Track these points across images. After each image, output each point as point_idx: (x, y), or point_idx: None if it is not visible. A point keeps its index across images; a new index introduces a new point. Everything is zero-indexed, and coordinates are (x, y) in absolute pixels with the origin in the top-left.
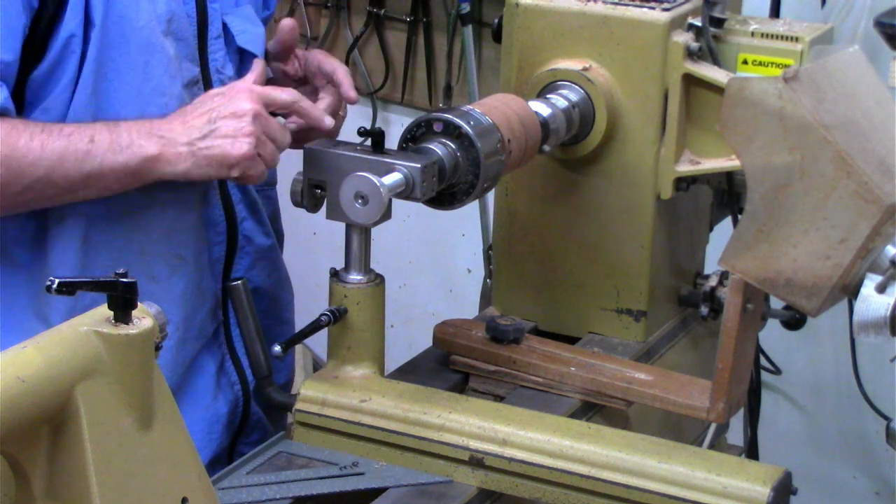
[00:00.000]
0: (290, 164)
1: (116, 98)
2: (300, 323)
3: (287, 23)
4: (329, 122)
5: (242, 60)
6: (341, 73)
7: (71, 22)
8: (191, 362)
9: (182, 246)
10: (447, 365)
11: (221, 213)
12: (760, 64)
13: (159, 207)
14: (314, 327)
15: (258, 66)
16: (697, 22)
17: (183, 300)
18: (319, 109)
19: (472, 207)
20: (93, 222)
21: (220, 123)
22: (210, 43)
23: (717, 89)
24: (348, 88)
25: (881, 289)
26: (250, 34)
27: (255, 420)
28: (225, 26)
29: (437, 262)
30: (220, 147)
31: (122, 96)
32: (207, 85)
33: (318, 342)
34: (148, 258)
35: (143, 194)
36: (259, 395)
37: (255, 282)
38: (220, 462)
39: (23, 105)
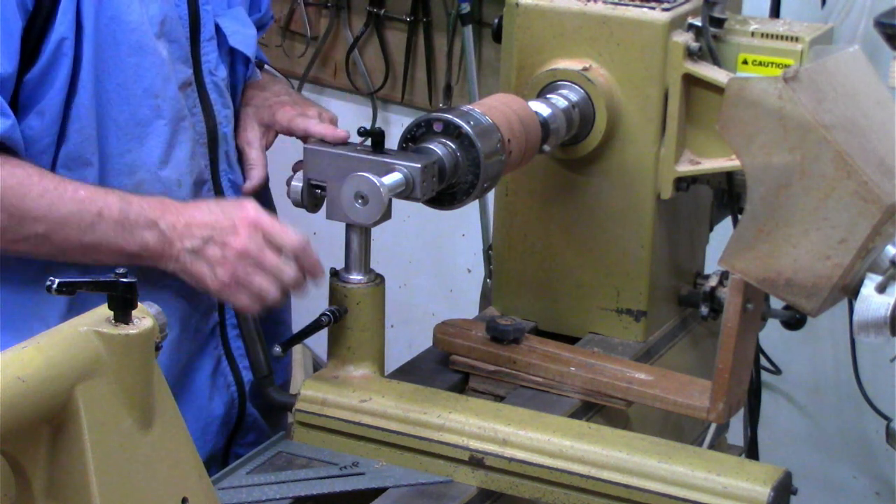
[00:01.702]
0: (285, 163)
1: (107, 99)
2: (299, 323)
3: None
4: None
5: (234, 62)
6: (315, 129)
7: (62, 25)
8: (186, 363)
9: None
10: (447, 365)
11: None
12: (760, 64)
13: None
14: (314, 327)
15: (257, 176)
16: (697, 22)
17: (177, 300)
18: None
19: (472, 207)
20: None
21: (212, 246)
22: (203, 45)
23: (717, 89)
24: (334, 134)
25: (881, 289)
26: (242, 35)
27: (251, 421)
28: (217, 28)
29: (437, 262)
30: (201, 270)
31: (113, 98)
32: (200, 87)
33: (318, 342)
34: None
35: (137, 193)
36: (259, 395)
37: None
38: (214, 463)
39: (17, 108)
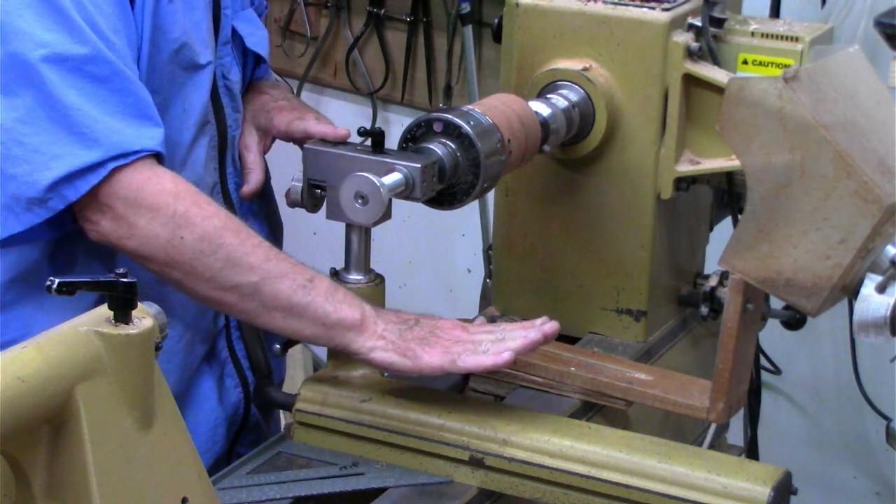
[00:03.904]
0: (287, 164)
1: None
2: None
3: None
4: None
5: (246, 63)
6: (314, 129)
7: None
8: (197, 366)
9: None
10: None
11: None
12: (760, 64)
13: None
14: None
15: (255, 180)
16: (697, 22)
17: (190, 303)
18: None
19: (472, 207)
20: None
21: (421, 327)
22: (219, 48)
23: (717, 89)
24: (335, 132)
25: (881, 289)
26: (257, 37)
27: (254, 422)
28: (233, 30)
29: (437, 262)
30: (407, 343)
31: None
32: (214, 90)
33: None
34: None
35: None
36: (259, 395)
37: None
38: (220, 464)
39: None
